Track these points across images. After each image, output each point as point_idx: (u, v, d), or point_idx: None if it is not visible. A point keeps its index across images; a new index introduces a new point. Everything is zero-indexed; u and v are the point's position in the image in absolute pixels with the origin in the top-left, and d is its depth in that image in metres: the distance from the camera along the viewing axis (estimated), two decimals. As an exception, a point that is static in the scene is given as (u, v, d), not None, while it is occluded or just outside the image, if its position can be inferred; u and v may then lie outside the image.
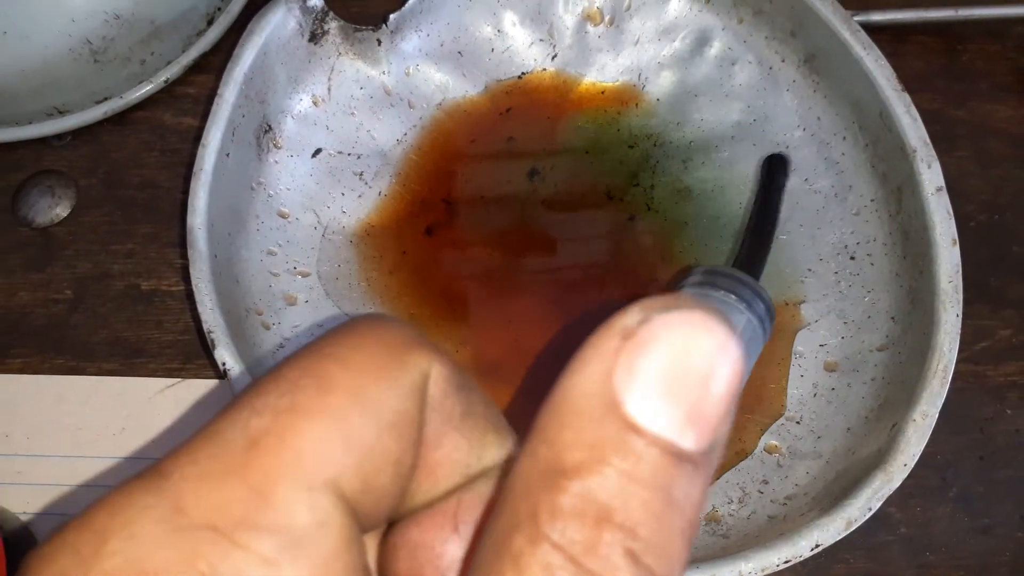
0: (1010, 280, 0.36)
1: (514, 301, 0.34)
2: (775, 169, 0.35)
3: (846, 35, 0.33)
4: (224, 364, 0.28)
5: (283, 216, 0.34)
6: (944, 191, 0.30)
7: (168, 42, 0.38)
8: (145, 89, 0.37)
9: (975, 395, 0.34)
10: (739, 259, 0.33)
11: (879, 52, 0.33)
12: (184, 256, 0.31)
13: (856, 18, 0.35)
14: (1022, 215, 0.37)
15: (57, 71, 0.36)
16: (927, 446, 0.32)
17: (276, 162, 0.35)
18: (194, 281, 0.29)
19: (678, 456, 0.10)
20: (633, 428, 0.09)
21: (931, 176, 0.31)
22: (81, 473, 0.31)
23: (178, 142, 0.38)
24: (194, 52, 0.37)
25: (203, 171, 0.31)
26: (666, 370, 0.09)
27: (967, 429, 0.33)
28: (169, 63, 0.37)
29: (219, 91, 0.32)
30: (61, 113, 0.36)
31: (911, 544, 0.32)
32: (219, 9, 0.39)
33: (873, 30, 0.37)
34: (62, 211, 0.36)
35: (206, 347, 0.32)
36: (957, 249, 0.30)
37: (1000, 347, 0.35)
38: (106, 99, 0.36)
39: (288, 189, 0.35)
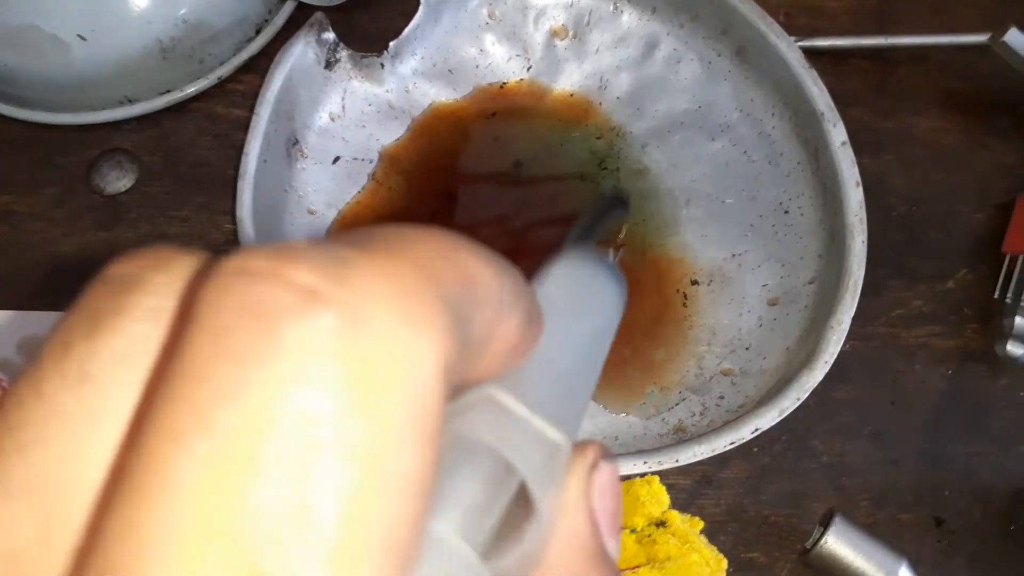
0: (923, 261, 0.42)
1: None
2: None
3: (763, 27, 0.40)
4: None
5: (311, 213, 0.42)
6: (848, 145, 0.37)
7: (223, 45, 0.46)
8: (202, 84, 0.45)
9: (890, 352, 0.40)
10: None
11: (790, 39, 0.40)
12: (231, 222, 0.37)
13: (802, 43, 0.41)
14: (936, 208, 0.43)
15: (131, 66, 0.44)
16: (847, 392, 0.38)
17: (303, 169, 0.42)
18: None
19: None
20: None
21: (837, 133, 0.37)
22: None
23: (228, 129, 0.45)
24: (244, 55, 0.46)
25: (247, 174, 0.38)
26: (614, 512, 0.14)
27: (882, 380, 0.39)
28: (223, 63, 0.45)
29: (255, 111, 0.39)
30: (131, 102, 0.45)
31: (831, 470, 0.38)
32: (266, 20, 0.47)
33: (817, 53, 0.44)
34: (128, 182, 0.44)
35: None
36: (860, 190, 0.36)
37: (913, 314, 0.41)
38: (168, 91, 0.45)
39: (314, 191, 0.42)
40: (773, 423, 0.33)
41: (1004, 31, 0.42)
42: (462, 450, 0.12)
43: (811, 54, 0.40)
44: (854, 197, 0.36)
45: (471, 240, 0.12)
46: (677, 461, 0.32)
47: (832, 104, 0.38)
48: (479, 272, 0.11)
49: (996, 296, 0.39)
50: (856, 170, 0.37)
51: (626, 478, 0.34)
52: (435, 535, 0.11)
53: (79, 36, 0.43)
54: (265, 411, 0.08)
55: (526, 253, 0.41)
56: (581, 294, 0.18)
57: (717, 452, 0.32)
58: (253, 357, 0.08)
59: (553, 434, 0.13)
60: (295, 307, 0.09)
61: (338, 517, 0.08)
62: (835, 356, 0.34)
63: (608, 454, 0.14)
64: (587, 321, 0.18)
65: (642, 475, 0.33)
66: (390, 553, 0.08)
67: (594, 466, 0.14)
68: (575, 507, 0.13)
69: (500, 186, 0.43)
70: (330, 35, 0.42)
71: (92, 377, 0.09)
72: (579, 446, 0.14)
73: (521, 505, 0.12)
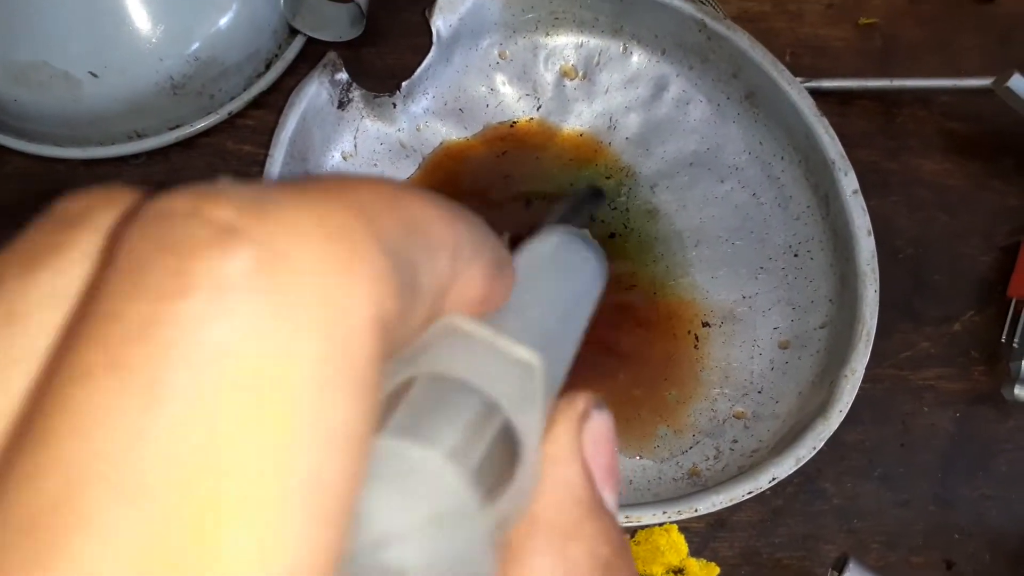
0: (930, 303, 0.43)
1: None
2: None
3: (774, 74, 0.40)
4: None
5: (323, 252, 0.42)
6: (859, 193, 0.38)
7: (233, 80, 0.46)
8: (212, 119, 0.45)
9: (898, 394, 0.41)
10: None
11: (801, 86, 0.40)
12: None
13: (808, 84, 0.42)
14: (942, 250, 0.44)
15: (142, 101, 0.43)
16: (857, 434, 0.39)
17: (315, 208, 0.42)
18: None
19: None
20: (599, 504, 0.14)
21: (848, 182, 0.38)
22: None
23: (238, 165, 0.45)
24: (254, 90, 0.46)
25: (261, 216, 0.38)
26: (609, 464, 0.14)
27: (891, 421, 0.40)
28: (233, 98, 0.45)
29: (270, 152, 0.39)
30: (140, 136, 0.44)
31: (842, 513, 0.38)
32: (276, 55, 0.47)
33: (823, 94, 0.44)
34: None
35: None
36: (872, 238, 0.37)
37: (920, 356, 0.42)
38: (178, 126, 0.45)
39: (326, 229, 0.42)
40: (790, 472, 0.33)
41: (1008, 76, 0.43)
42: (435, 389, 0.11)
43: (817, 95, 0.41)
44: (866, 246, 0.37)
45: (427, 191, 0.11)
46: (696, 511, 0.32)
47: (843, 153, 0.38)
48: (429, 219, 0.11)
49: (1003, 340, 0.40)
50: (867, 219, 0.37)
51: (645, 527, 0.34)
52: (422, 463, 0.10)
53: (91, 73, 0.43)
54: (173, 347, 0.08)
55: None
56: (559, 261, 0.18)
57: (735, 501, 0.32)
58: (164, 293, 0.08)
59: (521, 352, 0.12)
60: (210, 243, 0.08)
61: (251, 460, 0.08)
62: (849, 405, 0.34)
63: (601, 405, 0.14)
64: (566, 285, 0.17)
65: (661, 524, 0.34)
66: (315, 503, 0.08)
67: (586, 415, 0.13)
68: (567, 456, 0.13)
69: (511, 224, 0.43)
70: (343, 75, 0.42)
71: (20, 315, 0.09)
72: (568, 396, 0.14)
73: (507, 457, 0.12)
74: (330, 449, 0.08)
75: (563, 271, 0.18)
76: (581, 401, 0.14)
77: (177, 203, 0.09)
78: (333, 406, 0.08)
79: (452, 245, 0.11)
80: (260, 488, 0.08)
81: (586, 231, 0.20)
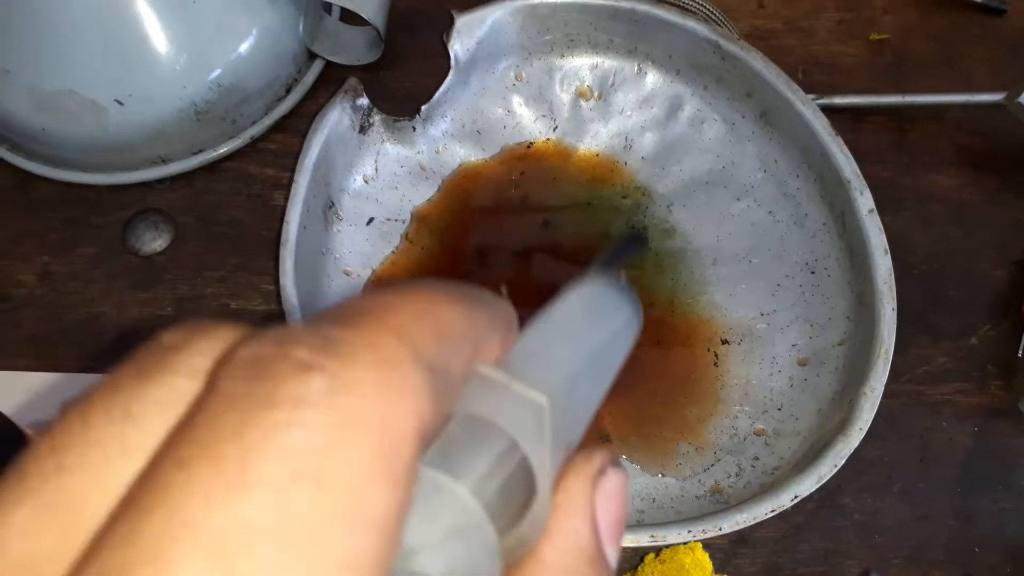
0: (946, 318, 0.43)
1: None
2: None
3: (789, 94, 0.41)
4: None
5: (347, 274, 0.42)
6: (875, 213, 0.38)
7: (254, 105, 0.46)
8: (234, 144, 0.46)
9: (916, 409, 0.41)
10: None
11: (815, 106, 0.41)
12: (267, 282, 0.38)
13: (821, 101, 0.42)
14: (957, 265, 0.44)
15: (166, 127, 0.44)
16: (876, 449, 0.39)
17: (339, 231, 0.43)
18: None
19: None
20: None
21: (864, 200, 0.38)
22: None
23: (261, 188, 0.46)
24: (275, 114, 0.46)
25: (288, 242, 0.38)
26: (617, 520, 0.15)
27: (909, 437, 0.40)
28: (255, 123, 0.46)
29: (295, 178, 0.40)
30: (164, 162, 0.45)
31: (863, 528, 0.39)
32: (296, 80, 0.48)
33: (835, 111, 0.45)
34: (163, 243, 0.44)
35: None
36: (888, 257, 0.37)
37: (937, 371, 0.42)
38: (201, 151, 0.45)
39: (350, 252, 0.43)
40: (812, 490, 0.33)
41: (1020, 91, 0.43)
42: (462, 427, 0.13)
43: (829, 111, 0.41)
44: (883, 265, 0.37)
45: (447, 286, 0.14)
46: (720, 529, 0.33)
47: (858, 172, 0.39)
48: (455, 322, 0.13)
49: (1020, 354, 0.40)
50: (884, 237, 0.38)
51: (670, 546, 0.35)
52: (445, 487, 0.12)
53: (116, 101, 0.43)
54: (259, 445, 0.10)
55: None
56: (589, 309, 0.19)
57: (759, 520, 0.33)
58: (255, 407, 0.10)
59: (532, 395, 0.13)
60: (292, 374, 0.10)
61: (307, 535, 0.10)
62: (869, 423, 0.34)
63: (617, 463, 0.15)
64: (594, 332, 0.19)
65: (685, 543, 0.34)
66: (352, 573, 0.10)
67: (601, 472, 0.15)
68: (578, 508, 0.14)
69: (529, 244, 0.44)
70: (364, 100, 0.43)
71: (133, 417, 0.11)
72: (586, 451, 0.15)
73: (524, 487, 0.13)
74: (368, 531, 0.10)
75: (592, 318, 0.19)
76: (598, 458, 0.15)
77: (267, 347, 0.11)
78: (374, 497, 0.10)
79: (474, 336, 0.13)
80: (310, 558, 0.09)
81: (622, 279, 0.21)
